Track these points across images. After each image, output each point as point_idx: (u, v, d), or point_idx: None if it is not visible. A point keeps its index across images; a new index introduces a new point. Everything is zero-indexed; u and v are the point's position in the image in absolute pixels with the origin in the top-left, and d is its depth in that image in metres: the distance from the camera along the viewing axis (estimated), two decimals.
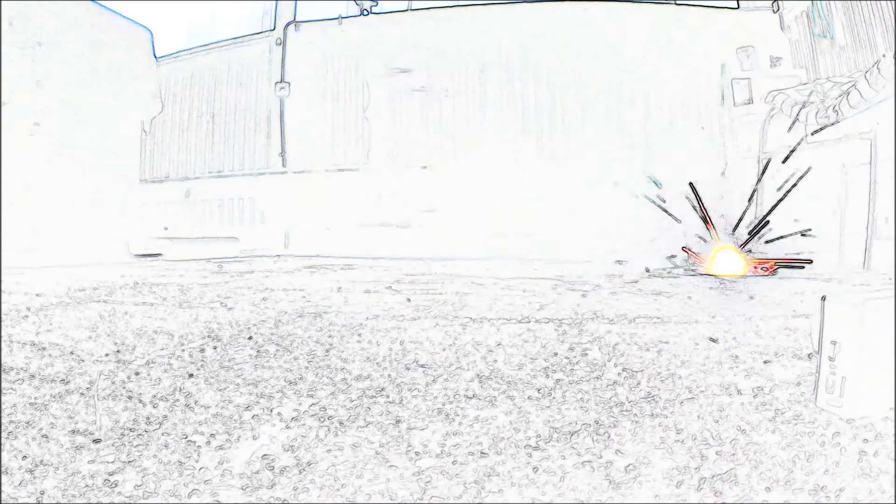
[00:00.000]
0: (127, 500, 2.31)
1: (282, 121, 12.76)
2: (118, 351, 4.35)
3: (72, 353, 4.28)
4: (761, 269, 8.50)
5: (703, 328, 4.87)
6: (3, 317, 5.36)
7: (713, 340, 4.47)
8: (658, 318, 5.37)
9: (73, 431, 2.90)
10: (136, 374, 3.82)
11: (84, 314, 5.59)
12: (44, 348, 4.38)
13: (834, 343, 2.97)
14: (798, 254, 8.85)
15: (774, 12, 10.71)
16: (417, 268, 10.16)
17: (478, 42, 11.95)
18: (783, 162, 8.74)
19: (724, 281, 7.97)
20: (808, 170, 8.80)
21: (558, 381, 3.69)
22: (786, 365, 3.83)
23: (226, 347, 4.44)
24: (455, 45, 12.02)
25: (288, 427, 2.99)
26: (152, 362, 4.07)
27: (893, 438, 2.68)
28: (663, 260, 10.39)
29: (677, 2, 11.27)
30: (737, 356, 4.07)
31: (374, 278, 8.62)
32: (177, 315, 5.57)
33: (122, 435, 2.87)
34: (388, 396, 3.44)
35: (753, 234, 9.03)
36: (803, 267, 8.37)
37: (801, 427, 2.87)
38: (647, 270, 9.64)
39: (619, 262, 10.62)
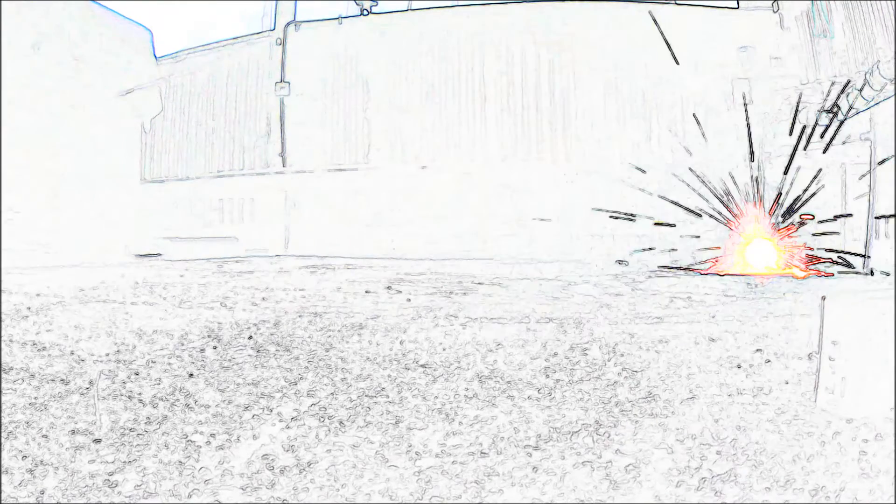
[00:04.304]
0: (127, 500, 2.31)
1: (282, 121, 12.76)
2: (118, 351, 4.34)
3: (72, 353, 4.28)
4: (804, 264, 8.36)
5: (704, 328, 4.87)
6: (3, 317, 5.36)
7: (713, 340, 4.47)
8: (658, 318, 5.37)
9: (73, 431, 2.90)
10: (136, 374, 3.82)
11: (84, 314, 5.59)
12: (44, 348, 4.38)
13: (834, 343, 2.97)
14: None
15: (774, 12, 10.71)
16: (417, 268, 10.15)
17: (477, 42, 11.96)
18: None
19: (747, 281, 7.79)
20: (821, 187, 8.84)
21: (558, 381, 3.69)
22: (786, 365, 3.83)
23: (226, 347, 4.44)
24: (455, 44, 12.03)
25: (288, 427, 2.99)
26: (152, 362, 4.07)
27: (893, 438, 2.68)
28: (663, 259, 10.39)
29: (677, 2, 11.27)
30: (737, 356, 4.07)
31: (374, 278, 8.62)
32: (177, 315, 5.57)
33: (123, 435, 2.87)
34: (388, 396, 3.44)
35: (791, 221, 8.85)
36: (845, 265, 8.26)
37: (801, 427, 2.87)
38: (620, 262, 9.67)
39: (619, 262, 10.62)
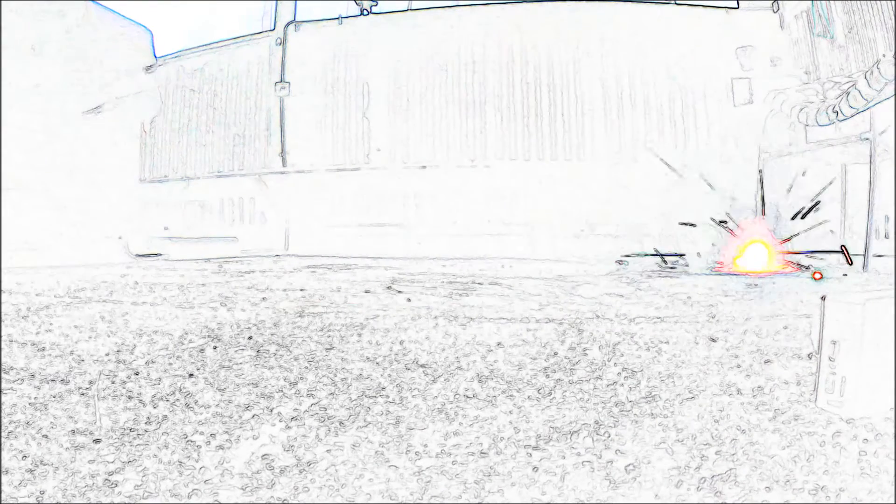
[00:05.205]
0: (127, 500, 2.31)
1: (282, 121, 12.77)
2: (118, 351, 4.35)
3: (72, 353, 4.28)
4: (796, 266, 8.63)
5: (703, 328, 4.87)
6: (3, 317, 5.36)
7: (713, 340, 4.47)
8: (658, 318, 5.37)
9: (73, 431, 2.90)
10: (136, 373, 3.82)
11: (84, 314, 5.59)
12: (44, 348, 4.38)
13: (834, 343, 2.97)
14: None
15: (774, 12, 10.72)
16: (417, 268, 10.16)
17: (478, 42, 11.96)
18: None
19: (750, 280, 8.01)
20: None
21: (558, 381, 3.69)
22: (786, 365, 3.83)
23: (226, 347, 4.44)
24: (455, 44, 12.02)
25: (288, 427, 2.99)
26: (152, 362, 4.07)
27: (893, 438, 2.68)
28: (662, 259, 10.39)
29: (677, 2, 11.27)
30: (737, 356, 4.07)
31: (374, 278, 8.62)
32: (177, 315, 5.58)
33: (123, 435, 2.87)
34: (388, 396, 3.44)
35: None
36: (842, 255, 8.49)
37: (801, 427, 2.87)
38: (619, 262, 9.83)
39: (619, 262, 10.63)
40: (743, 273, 8.86)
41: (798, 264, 8.89)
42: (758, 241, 9.42)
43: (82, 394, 3.42)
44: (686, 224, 9.95)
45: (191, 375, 3.79)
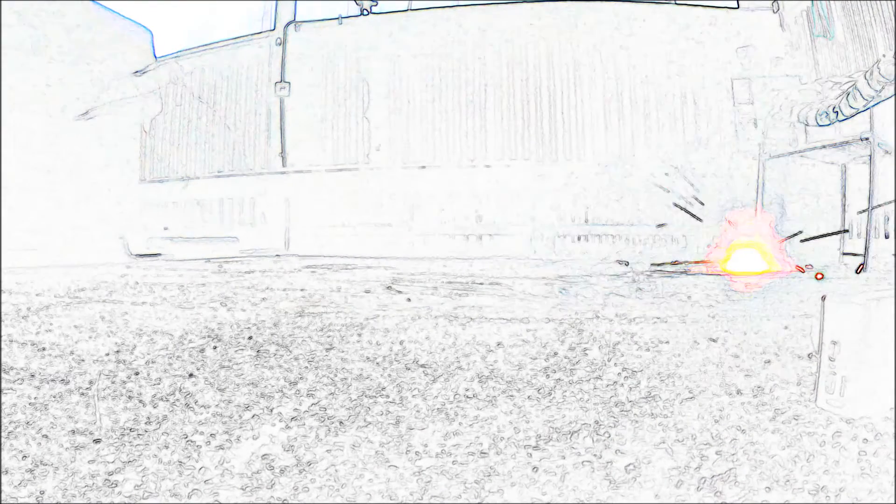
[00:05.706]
0: (127, 500, 2.31)
1: (282, 121, 12.76)
2: (118, 351, 4.35)
3: (72, 353, 4.28)
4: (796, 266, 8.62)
5: (704, 328, 4.87)
6: (3, 317, 5.36)
7: (713, 340, 4.47)
8: (658, 318, 5.37)
9: (73, 431, 2.90)
10: (136, 373, 3.82)
11: (84, 314, 5.59)
12: (44, 348, 4.38)
13: (834, 343, 2.97)
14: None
15: (774, 12, 10.71)
16: (417, 268, 10.15)
17: (478, 42, 11.96)
18: None
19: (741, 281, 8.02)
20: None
21: (558, 381, 3.69)
22: (786, 365, 3.83)
23: (226, 347, 4.44)
24: (455, 44, 12.02)
25: (288, 427, 2.99)
26: (152, 362, 4.07)
27: (893, 438, 2.68)
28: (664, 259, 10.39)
29: (677, 2, 11.27)
30: (737, 356, 4.07)
31: (374, 278, 8.62)
32: (177, 315, 5.58)
33: (123, 435, 2.87)
34: (388, 396, 3.44)
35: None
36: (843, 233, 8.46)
37: (801, 427, 2.87)
38: (624, 264, 9.84)
39: (619, 261, 10.63)
40: (743, 274, 8.87)
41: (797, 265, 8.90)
42: (747, 245, 9.43)
43: (82, 394, 3.42)
44: (660, 225, 10.00)
45: (191, 375, 3.79)
